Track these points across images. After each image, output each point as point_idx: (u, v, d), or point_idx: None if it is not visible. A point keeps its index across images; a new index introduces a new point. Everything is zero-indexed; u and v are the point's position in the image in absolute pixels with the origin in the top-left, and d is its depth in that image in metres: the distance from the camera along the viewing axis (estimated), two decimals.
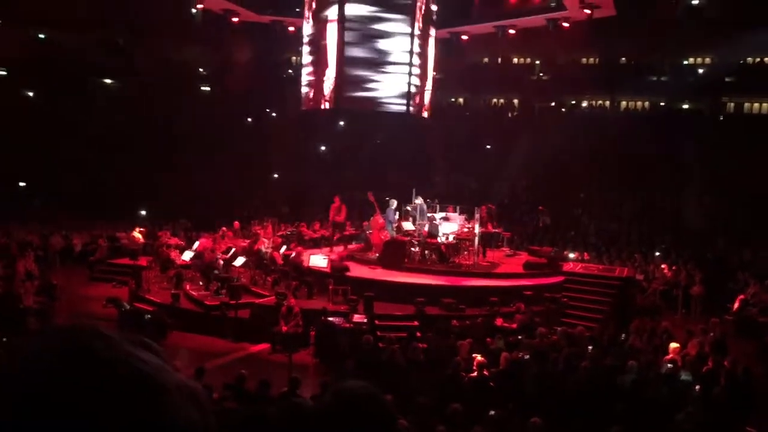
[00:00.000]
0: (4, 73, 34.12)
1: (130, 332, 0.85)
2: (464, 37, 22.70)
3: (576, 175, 29.96)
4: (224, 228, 20.83)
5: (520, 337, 12.64)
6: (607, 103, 36.91)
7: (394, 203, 18.64)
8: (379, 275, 16.88)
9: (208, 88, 38.63)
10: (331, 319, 13.87)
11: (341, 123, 34.67)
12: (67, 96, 31.62)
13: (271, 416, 4.20)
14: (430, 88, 20.80)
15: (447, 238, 18.16)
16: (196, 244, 18.97)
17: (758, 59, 32.84)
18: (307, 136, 32.91)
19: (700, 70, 34.38)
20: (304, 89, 20.08)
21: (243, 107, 35.20)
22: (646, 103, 36.16)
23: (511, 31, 21.96)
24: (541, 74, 36.91)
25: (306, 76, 20.06)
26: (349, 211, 20.62)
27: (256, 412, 5.06)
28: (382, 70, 19.10)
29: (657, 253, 23.44)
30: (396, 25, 19.10)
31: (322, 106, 19.74)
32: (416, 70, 19.37)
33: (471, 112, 37.50)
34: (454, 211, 19.12)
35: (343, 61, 18.80)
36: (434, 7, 20.09)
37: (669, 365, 10.67)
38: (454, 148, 31.90)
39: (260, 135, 32.99)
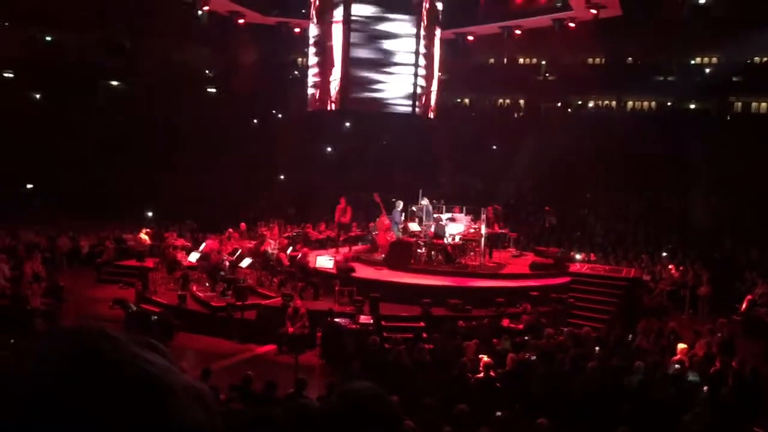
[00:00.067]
0: (10, 75, 34.26)
1: (136, 333, 0.85)
2: (470, 38, 22.66)
3: (582, 175, 29.90)
4: (230, 229, 20.87)
5: (526, 337, 12.61)
6: (614, 103, 36.82)
7: (400, 204, 18.64)
8: (385, 276, 16.88)
9: (213, 90, 38.72)
10: (337, 320, 13.87)
11: (347, 124, 34.69)
12: (72, 97, 31.74)
13: (278, 417, 4.20)
14: (436, 88, 20.78)
15: (453, 239, 18.14)
16: (203, 246, 19.00)
17: (765, 59, 32.72)
18: (313, 137, 32.94)
19: (707, 70, 34.28)
20: (310, 90, 20.09)
21: (249, 109, 35.25)
22: (653, 103, 36.07)
23: (517, 32, 21.92)
24: (547, 74, 36.86)
25: (312, 77, 20.07)
26: (354, 212, 20.62)
27: (262, 414, 5.07)
28: (388, 70, 19.09)
29: (664, 254, 23.36)
30: (401, 25, 19.09)
31: (328, 108, 19.75)
32: (422, 71, 19.35)
33: (477, 113, 37.48)
34: (461, 212, 19.11)
35: (348, 62, 18.81)
36: (440, 7, 20.08)
37: (676, 366, 10.64)
38: (459, 149, 31.88)
39: (266, 136, 33.04)
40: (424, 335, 12.81)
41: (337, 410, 1.57)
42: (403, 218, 18.78)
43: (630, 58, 35.89)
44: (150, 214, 27.67)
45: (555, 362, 10.50)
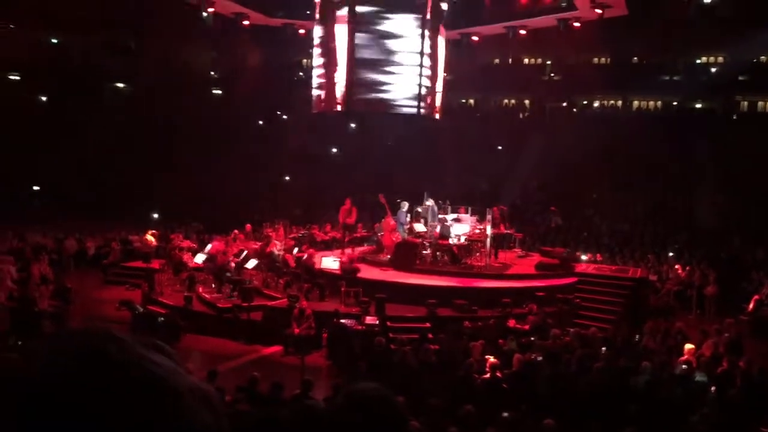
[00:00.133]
0: (16, 77, 34.41)
1: (143, 335, 0.86)
2: (475, 38, 22.63)
3: (588, 175, 29.82)
4: (236, 231, 20.91)
5: (532, 338, 12.59)
6: (619, 102, 36.75)
7: (406, 205, 18.63)
8: (390, 277, 16.89)
9: (218, 91, 38.81)
10: (343, 321, 13.88)
11: (352, 125, 34.72)
12: (77, 99, 31.85)
13: (284, 418, 4.21)
14: (441, 89, 20.75)
15: (458, 240, 18.13)
16: (209, 247, 19.03)
17: None
18: (318, 138, 32.97)
19: (713, 69, 34.19)
20: (315, 92, 20.08)
21: (254, 110, 35.33)
22: (659, 103, 35.98)
23: (522, 32, 21.88)
24: (552, 74, 36.81)
25: (317, 78, 20.07)
26: (360, 213, 20.62)
27: (268, 415, 5.08)
28: (393, 71, 19.07)
29: (670, 254, 23.28)
30: (406, 26, 19.07)
31: (334, 109, 19.74)
32: (427, 72, 19.33)
33: (482, 113, 37.46)
34: (466, 213, 19.09)
35: (353, 63, 18.80)
36: (444, 7, 20.05)
37: (683, 366, 10.60)
38: (465, 149, 31.84)
39: (271, 137, 33.10)
40: (430, 336, 12.80)
41: (344, 411, 1.57)
42: (408, 219, 18.78)
43: (635, 58, 35.83)
44: (156, 215, 27.73)
45: (561, 363, 10.48)
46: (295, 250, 18.91)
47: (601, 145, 30.42)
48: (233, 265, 17.54)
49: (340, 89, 18.99)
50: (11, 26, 32.57)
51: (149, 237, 21.58)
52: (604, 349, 11.59)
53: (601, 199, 28.96)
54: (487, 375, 9.91)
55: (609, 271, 19.11)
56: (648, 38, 31.36)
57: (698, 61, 34.85)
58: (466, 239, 18.21)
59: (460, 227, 18.38)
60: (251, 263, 17.28)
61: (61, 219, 26.26)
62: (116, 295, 17.82)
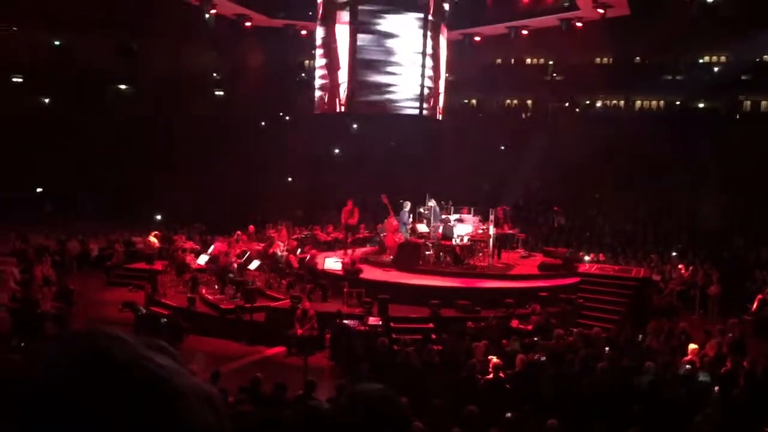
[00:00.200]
0: (19, 79, 34.48)
1: (146, 336, 0.86)
2: (477, 39, 22.65)
3: (590, 175, 29.79)
4: (239, 232, 20.92)
5: (535, 338, 12.58)
6: (622, 102, 36.70)
7: (408, 205, 18.64)
8: (393, 277, 16.89)
9: (221, 93, 38.85)
10: (346, 321, 13.88)
11: (354, 126, 34.72)
12: (80, 101, 31.91)
13: (287, 419, 4.20)
14: (443, 89, 20.76)
15: (461, 240, 18.12)
16: (211, 248, 19.05)
17: None
18: (320, 139, 32.98)
19: (716, 69, 34.10)
20: (318, 93, 20.11)
21: (256, 111, 35.36)
22: (661, 103, 35.92)
23: (524, 32, 21.89)
24: (554, 74, 36.77)
25: (319, 79, 20.09)
26: (362, 214, 20.63)
27: (271, 416, 5.07)
28: (395, 72, 19.08)
29: (673, 253, 23.26)
30: (408, 26, 19.08)
31: (336, 110, 19.76)
32: (429, 72, 19.34)
33: (484, 114, 37.42)
34: (469, 213, 19.08)
35: (355, 64, 18.82)
36: (446, 7, 20.06)
37: (687, 366, 10.58)
38: (467, 150, 31.82)
39: (273, 138, 33.12)
40: (433, 336, 12.79)
41: (347, 412, 1.57)
42: (411, 219, 18.78)
43: (638, 58, 35.78)
44: (158, 217, 27.77)
45: (565, 363, 10.47)
46: (298, 251, 18.93)
47: (603, 145, 30.38)
48: (236, 266, 17.55)
49: (342, 90, 19.01)
50: (13, 28, 32.63)
51: (152, 238, 21.59)
52: (607, 349, 11.58)
53: (603, 199, 28.93)
54: (490, 375, 9.90)
55: (612, 271, 19.10)
56: (650, 38, 31.30)
57: (701, 61, 34.79)
58: (468, 240, 18.21)
59: (463, 228, 18.38)
60: (254, 264, 17.29)
61: (63, 221, 26.32)
62: (119, 297, 17.84)
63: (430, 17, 19.13)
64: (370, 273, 17.06)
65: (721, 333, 12.76)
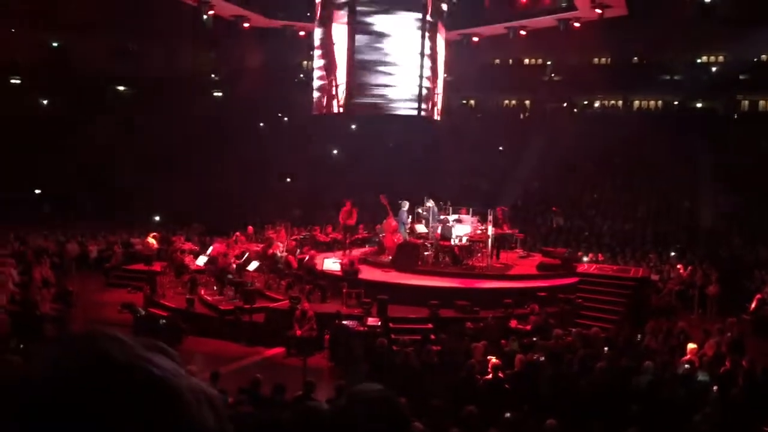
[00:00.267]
0: (17, 80, 34.48)
1: (145, 337, 0.86)
2: (475, 39, 22.65)
3: (589, 175, 29.85)
4: (237, 233, 20.91)
5: (534, 338, 12.58)
6: (620, 102, 36.76)
7: (406, 205, 18.62)
8: (392, 278, 16.88)
9: (220, 94, 38.86)
10: (345, 322, 13.87)
11: (353, 126, 34.73)
12: (79, 102, 31.91)
13: (286, 420, 4.20)
14: (442, 90, 20.76)
15: (460, 240, 18.13)
16: (210, 249, 19.04)
17: None
18: (319, 139, 33.01)
19: (714, 69, 34.17)
20: (316, 94, 20.09)
21: (255, 112, 35.37)
22: (659, 103, 35.99)
23: (522, 32, 21.90)
24: (552, 75, 36.82)
25: (317, 80, 20.08)
26: (361, 214, 20.63)
27: (271, 417, 5.08)
28: (393, 72, 19.07)
29: (672, 253, 23.28)
30: (406, 27, 19.07)
31: (334, 111, 19.75)
32: (427, 73, 19.33)
33: (483, 114, 37.46)
34: (467, 213, 19.08)
35: (353, 64, 18.81)
36: (444, 8, 20.06)
37: (686, 366, 10.58)
38: (465, 150, 31.86)
39: (272, 139, 33.14)
40: (432, 337, 12.79)
41: (346, 412, 1.58)
42: (409, 219, 18.78)
43: (636, 58, 35.85)
44: (157, 218, 27.77)
45: (563, 363, 10.47)
46: (297, 251, 18.92)
47: (601, 145, 30.46)
48: (234, 266, 17.55)
49: (340, 91, 19.00)
50: (12, 29, 32.62)
51: (151, 240, 21.59)
52: (606, 349, 11.57)
53: (602, 199, 28.97)
54: (489, 375, 9.90)
55: (611, 271, 19.10)
56: (648, 38, 31.38)
57: (699, 61, 34.85)
58: (467, 240, 18.21)
59: (462, 228, 18.37)
60: (253, 265, 17.29)
61: (62, 222, 26.31)
62: (118, 298, 17.82)
63: (428, 17, 19.12)
64: (369, 273, 17.05)
65: (719, 332, 12.76)
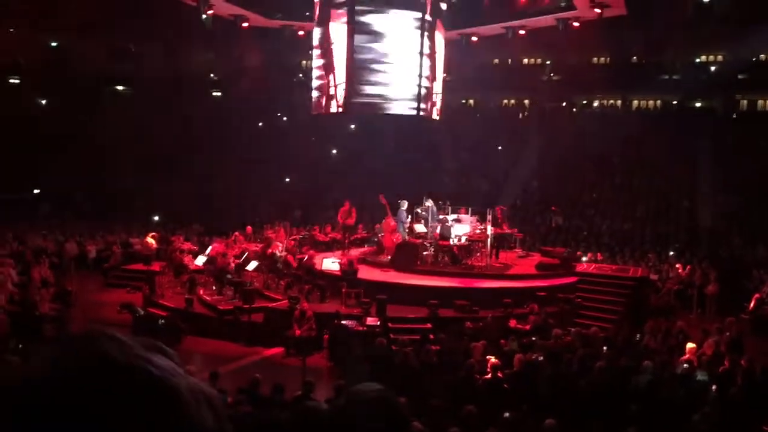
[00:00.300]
0: (15, 80, 34.46)
1: (144, 337, 0.86)
2: (474, 39, 22.63)
3: (588, 174, 29.85)
4: (236, 232, 20.90)
5: (533, 338, 12.59)
6: (619, 102, 36.77)
7: (405, 204, 18.62)
8: (391, 278, 16.89)
9: (219, 93, 38.85)
10: (344, 322, 13.88)
11: (352, 126, 34.73)
12: (77, 102, 31.89)
13: (286, 420, 4.21)
14: (441, 89, 20.76)
15: (459, 240, 18.13)
16: (209, 249, 19.04)
17: None
18: (318, 139, 33.00)
19: (713, 68, 34.17)
20: (315, 94, 20.08)
21: (254, 112, 35.36)
22: (658, 102, 36.00)
23: (521, 32, 21.88)
24: (551, 74, 36.80)
25: (316, 80, 20.06)
26: (360, 214, 20.64)
27: (270, 417, 5.08)
28: (393, 72, 19.05)
29: (671, 253, 23.29)
30: (405, 27, 19.06)
31: (334, 111, 19.74)
32: (426, 72, 19.32)
33: (482, 114, 37.46)
34: (466, 213, 19.09)
35: (352, 64, 18.79)
36: (444, 7, 20.05)
37: (685, 365, 10.59)
38: (464, 150, 31.86)
39: (271, 139, 33.13)
40: (431, 336, 12.79)
41: (345, 412, 1.58)
42: (409, 219, 18.77)
43: (635, 57, 35.85)
44: (156, 218, 27.76)
45: (562, 363, 10.47)
46: (297, 251, 18.92)
47: (600, 144, 30.46)
48: (233, 266, 17.54)
49: (339, 90, 18.98)
50: (12, 29, 32.60)
51: (150, 240, 21.58)
52: (605, 348, 11.59)
53: (601, 199, 28.97)
54: (489, 375, 9.91)
55: (610, 271, 19.11)
56: (647, 37, 31.39)
57: (698, 60, 34.84)
58: (466, 240, 18.21)
59: (461, 228, 18.37)
60: (252, 265, 17.29)
61: (61, 222, 26.30)
62: (117, 298, 17.81)
63: (427, 17, 19.11)
64: (368, 273, 17.05)
65: (718, 332, 12.77)
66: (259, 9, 21.35)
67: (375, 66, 18.92)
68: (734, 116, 33.35)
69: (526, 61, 38.03)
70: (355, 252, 19.19)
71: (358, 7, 18.67)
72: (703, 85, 32.08)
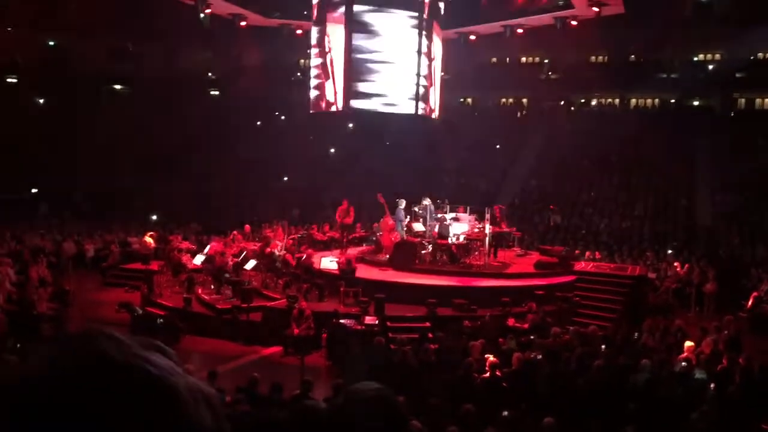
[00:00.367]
0: (14, 80, 34.42)
1: (143, 337, 0.86)
2: (472, 37, 22.64)
3: (586, 173, 29.86)
4: (235, 232, 20.89)
5: (532, 337, 12.60)
6: (617, 100, 36.79)
7: (403, 203, 18.62)
8: (389, 277, 16.88)
9: (216, 92, 38.83)
10: (342, 321, 13.88)
11: (350, 125, 34.72)
12: (76, 101, 31.86)
13: (284, 419, 4.21)
14: (439, 88, 20.76)
15: (457, 239, 18.13)
16: (207, 248, 19.03)
17: None
18: (316, 138, 32.98)
19: (711, 67, 34.21)
20: (313, 93, 20.08)
21: (252, 111, 35.34)
22: (656, 101, 36.04)
23: (519, 31, 21.89)
24: (549, 73, 36.82)
25: (314, 79, 20.06)
26: (358, 213, 20.63)
27: (268, 416, 5.08)
28: (391, 71, 19.06)
29: (669, 251, 23.30)
30: (403, 26, 19.07)
31: (332, 110, 19.73)
32: (424, 71, 19.33)
33: (480, 112, 37.48)
34: (465, 212, 19.09)
35: (350, 63, 18.80)
36: (441, 6, 20.05)
37: (683, 364, 10.60)
38: (463, 149, 31.86)
39: (270, 138, 33.11)
40: (430, 335, 12.80)
41: (344, 411, 1.58)
42: (407, 218, 18.77)
43: (633, 56, 35.88)
44: (154, 217, 27.74)
45: (561, 361, 10.48)
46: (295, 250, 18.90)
47: (598, 143, 30.48)
48: (232, 265, 17.53)
49: (337, 89, 18.98)
50: (11, 29, 32.56)
51: (148, 239, 21.56)
52: (603, 347, 11.60)
53: (599, 197, 28.99)
54: (487, 374, 9.91)
55: (608, 269, 19.12)
56: (645, 36, 31.40)
57: (696, 59, 34.88)
58: (465, 238, 18.21)
59: (459, 226, 18.37)
60: (250, 264, 17.28)
61: (59, 221, 26.26)
62: (115, 297, 17.80)
63: (425, 16, 19.11)
64: (366, 272, 17.05)
65: (716, 330, 12.78)
66: (257, 8, 21.34)
67: (373, 65, 18.92)
68: (732, 115, 33.40)
69: (524, 59, 38.04)
70: (353, 251, 19.18)
71: (355, 7, 18.67)
72: (701, 84, 32.12)
